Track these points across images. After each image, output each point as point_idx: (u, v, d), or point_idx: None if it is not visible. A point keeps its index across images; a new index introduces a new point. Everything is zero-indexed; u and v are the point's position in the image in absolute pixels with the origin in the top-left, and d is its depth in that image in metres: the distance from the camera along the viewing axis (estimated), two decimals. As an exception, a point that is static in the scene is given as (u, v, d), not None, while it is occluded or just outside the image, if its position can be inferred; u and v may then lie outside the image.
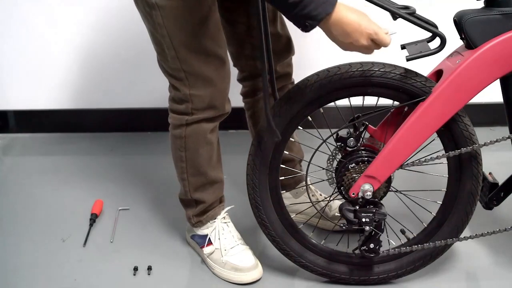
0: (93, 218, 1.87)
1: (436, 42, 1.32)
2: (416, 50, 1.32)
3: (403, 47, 1.36)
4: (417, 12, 1.33)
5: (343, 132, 1.46)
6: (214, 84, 1.44)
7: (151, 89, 2.49)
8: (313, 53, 2.22)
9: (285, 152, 1.52)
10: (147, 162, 2.29)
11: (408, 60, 1.30)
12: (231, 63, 1.55)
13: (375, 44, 1.24)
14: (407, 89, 1.36)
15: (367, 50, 1.25)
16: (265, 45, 1.36)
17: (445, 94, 1.32)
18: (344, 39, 1.23)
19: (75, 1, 2.37)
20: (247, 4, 1.52)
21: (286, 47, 1.62)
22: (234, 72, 1.58)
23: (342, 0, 1.21)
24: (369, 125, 1.47)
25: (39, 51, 2.45)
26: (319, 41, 2.11)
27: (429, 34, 1.33)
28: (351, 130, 1.46)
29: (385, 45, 1.25)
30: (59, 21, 2.40)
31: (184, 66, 1.41)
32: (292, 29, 1.61)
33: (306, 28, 1.20)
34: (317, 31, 1.23)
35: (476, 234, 1.49)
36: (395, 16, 1.26)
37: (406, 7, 1.30)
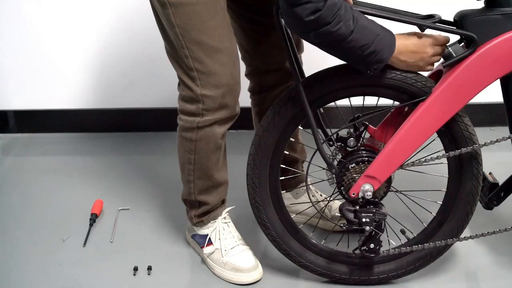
0: (93, 218, 1.87)
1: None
2: (450, 55, 1.34)
3: None
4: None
5: (343, 132, 1.46)
6: (226, 83, 1.43)
7: (151, 89, 2.49)
8: (317, 53, 2.21)
9: (287, 152, 1.52)
10: (147, 162, 2.29)
11: (445, 66, 1.34)
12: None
13: (440, 47, 1.32)
14: (407, 89, 1.36)
15: (437, 57, 1.33)
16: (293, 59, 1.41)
17: (445, 94, 1.32)
18: (413, 58, 1.31)
19: (74, 1, 2.37)
20: (262, 1, 1.52)
21: (296, 44, 1.62)
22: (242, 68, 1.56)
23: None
24: (369, 125, 1.47)
25: (39, 51, 2.45)
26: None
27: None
28: (351, 130, 1.46)
29: (447, 41, 1.34)
30: (59, 22, 2.40)
31: (197, 65, 1.41)
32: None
33: (374, 70, 1.30)
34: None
35: (476, 234, 1.49)
36: (422, 28, 1.31)
37: (431, 16, 1.34)
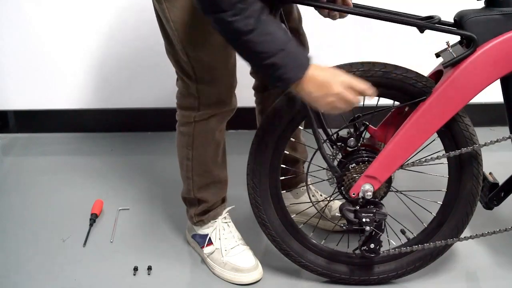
0: (93, 218, 1.87)
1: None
2: (450, 55, 1.34)
3: (437, 55, 1.40)
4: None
5: (343, 132, 1.46)
6: (221, 78, 1.44)
7: (151, 89, 2.49)
8: (317, 53, 2.21)
9: (288, 152, 1.52)
10: (147, 162, 2.29)
11: (445, 66, 1.34)
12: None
13: (353, 92, 1.22)
14: (407, 89, 1.36)
15: (343, 100, 1.22)
16: None
17: (446, 94, 1.32)
18: (318, 91, 1.21)
19: (74, 1, 2.37)
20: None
21: (301, 45, 1.62)
22: (242, 68, 1.56)
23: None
24: (370, 125, 1.47)
25: (39, 51, 2.45)
26: (327, 40, 2.11)
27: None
28: (352, 130, 1.46)
29: (365, 90, 1.24)
30: (59, 22, 2.40)
31: (192, 60, 1.41)
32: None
33: (277, 88, 1.24)
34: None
35: (476, 234, 1.49)
36: (422, 29, 1.30)
37: (430, 17, 1.34)
